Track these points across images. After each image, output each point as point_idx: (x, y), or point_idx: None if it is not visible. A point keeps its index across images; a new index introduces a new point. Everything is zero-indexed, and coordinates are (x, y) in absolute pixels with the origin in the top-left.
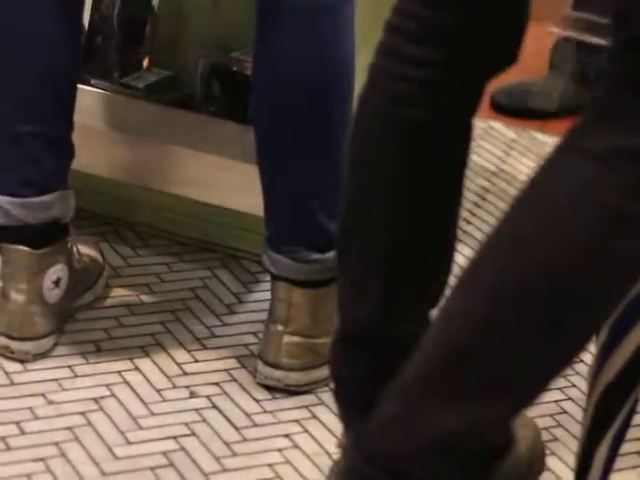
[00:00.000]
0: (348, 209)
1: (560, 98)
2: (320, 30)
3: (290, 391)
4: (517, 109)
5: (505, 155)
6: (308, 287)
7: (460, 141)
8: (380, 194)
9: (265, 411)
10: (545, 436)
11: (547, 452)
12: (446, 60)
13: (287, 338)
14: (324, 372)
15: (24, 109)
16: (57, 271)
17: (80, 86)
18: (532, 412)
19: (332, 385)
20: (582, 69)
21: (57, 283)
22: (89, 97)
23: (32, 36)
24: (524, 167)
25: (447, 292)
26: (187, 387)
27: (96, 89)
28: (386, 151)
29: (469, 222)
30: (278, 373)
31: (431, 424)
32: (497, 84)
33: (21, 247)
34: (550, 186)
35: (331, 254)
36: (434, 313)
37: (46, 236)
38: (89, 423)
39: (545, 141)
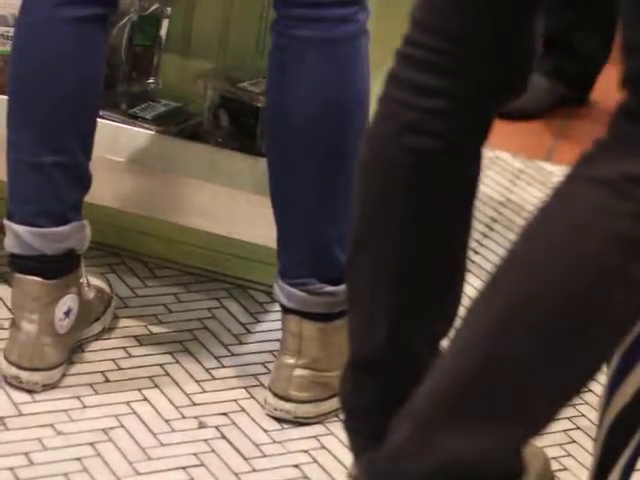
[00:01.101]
0: (357, 238)
1: (544, 96)
2: (336, 61)
3: (299, 422)
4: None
5: (512, 185)
6: (320, 320)
7: (470, 170)
8: (389, 223)
9: (274, 441)
10: (554, 466)
11: None
12: (456, 89)
13: (298, 371)
14: (334, 404)
15: (47, 140)
16: (68, 301)
17: None
18: (541, 442)
19: (342, 415)
20: (557, 65)
21: (68, 314)
22: (98, 128)
23: (54, 68)
24: (531, 197)
25: (457, 322)
26: (196, 418)
27: (104, 120)
28: (395, 180)
29: (477, 252)
30: (288, 406)
31: (441, 450)
32: None
33: (34, 278)
34: (560, 214)
35: (344, 286)
36: (444, 343)
37: (60, 267)
38: (98, 454)
39: (551, 170)
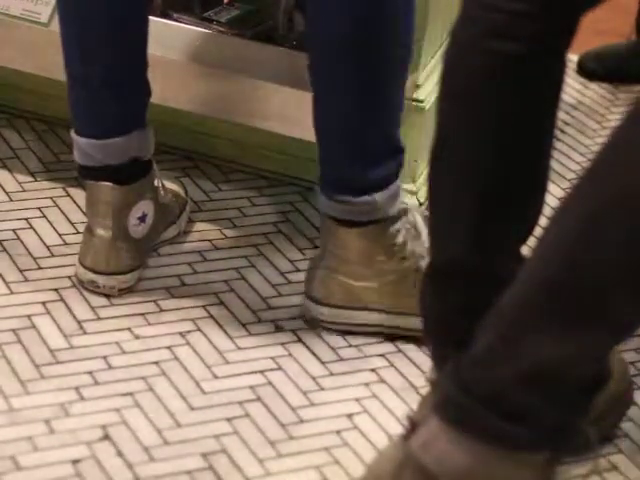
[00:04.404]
0: (440, 141)
1: None
2: None
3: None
4: (610, 73)
5: (584, 88)
6: (344, 225)
7: (554, 75)
8: (473, 127)
9: (350, 345)
10: (631, 370)
11: (634, 386)
12: None
13: (321, 272)
14: (354, 315)
15: (94, 52)
16: (143, 207)
17: (163, 20)
18: (618, 346)
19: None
20: None
21: (142, 219)
22: (171, 31)
23: None
24: (603, 100)
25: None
26: (272, 321)
27: (178, 23)
28: (480, 83)
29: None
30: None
31: (526, 353)
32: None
33: (105, 183)
34: None
35: (365, 198)
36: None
37: (128, 174)
38: (176, 357)
39: None
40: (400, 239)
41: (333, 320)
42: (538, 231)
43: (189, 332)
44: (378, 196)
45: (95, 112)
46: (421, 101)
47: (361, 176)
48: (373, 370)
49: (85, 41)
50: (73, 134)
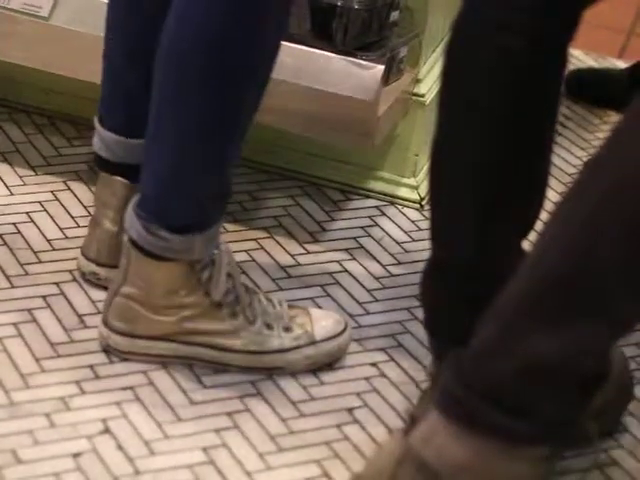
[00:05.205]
0: (441, 136)
1: None
2: None
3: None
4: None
5: None
6: (141, 251)
7: (555, 69)
8: (474, 122)
9: (351, 339)
10: (631, 365)
11: (634, 381)
12: None
13: (120, 301)
14: (151, 345)
15: (129, 54)
16: None
17: None
18: (618, 341)
19: (422, 314)
20: None
21: None
22: None
23: None
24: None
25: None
26: None
27: None
28: (481, 78)
29: None
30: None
31: (526, 348)
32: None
33: (119, 178)
34: None
35: (181, 237)
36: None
37: None
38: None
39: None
40: (206, 275)
41: (130, 350)
42: (539, 225)
43: None
44: (197, 237)
45: (127, 110)
46: (422, 95)
47: (183, 214)
48: (373, 364)
49: (121, 38)
50: (97, 124)
